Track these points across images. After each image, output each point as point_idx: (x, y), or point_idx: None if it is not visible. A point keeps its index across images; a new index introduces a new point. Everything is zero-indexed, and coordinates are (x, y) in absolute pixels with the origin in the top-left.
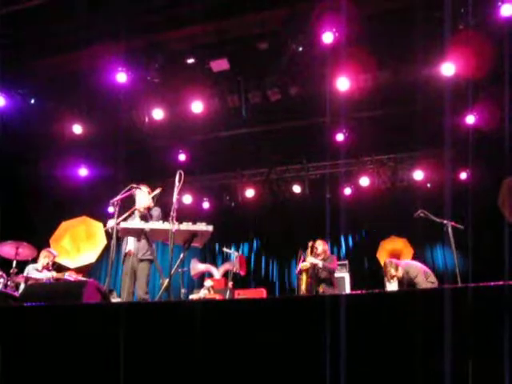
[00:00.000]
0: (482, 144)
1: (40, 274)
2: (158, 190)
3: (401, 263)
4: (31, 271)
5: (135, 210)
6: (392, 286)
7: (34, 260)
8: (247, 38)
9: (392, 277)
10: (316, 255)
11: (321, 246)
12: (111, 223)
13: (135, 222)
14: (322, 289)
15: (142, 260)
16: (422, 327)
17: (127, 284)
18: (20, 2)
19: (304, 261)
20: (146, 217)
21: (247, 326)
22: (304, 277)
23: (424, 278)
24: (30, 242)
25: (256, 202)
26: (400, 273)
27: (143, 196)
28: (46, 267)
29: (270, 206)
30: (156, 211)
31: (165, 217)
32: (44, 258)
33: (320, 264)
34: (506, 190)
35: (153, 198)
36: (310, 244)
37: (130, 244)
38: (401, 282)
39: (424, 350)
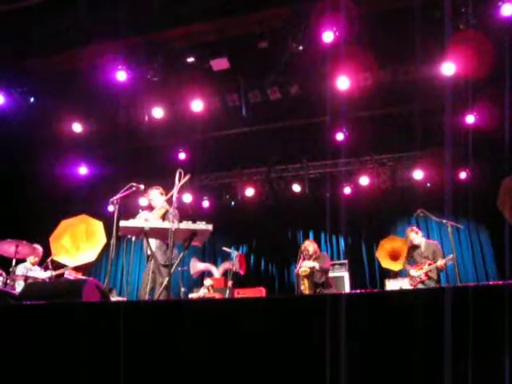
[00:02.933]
0: (481, 144)
1: (41, 272)
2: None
3: (432, 240)
4: (23, 270)
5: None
6: (392, 285)
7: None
8: (247, 37)
9: (411, 242)
10: (309, 257)
11: (311, 246)
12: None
13: (137, 221)
14: (319, 291)
15: (161, 265)
16: (422, 327)
17: (144, 283)
18: (20, 0)
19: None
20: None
21: (246, 325)
22: (306, 282)
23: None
24: (30, 240)
25: (256, 201)
26: (421, 243)
27: (157, 200)
28: (36, 263)
29: (269, 205)
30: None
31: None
32: (29, 256)
33: (317, 266)
34: (505, 190)
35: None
36: (302, 247)
37: (151, 246)
38: (414, 249)
39: (424, 350)
